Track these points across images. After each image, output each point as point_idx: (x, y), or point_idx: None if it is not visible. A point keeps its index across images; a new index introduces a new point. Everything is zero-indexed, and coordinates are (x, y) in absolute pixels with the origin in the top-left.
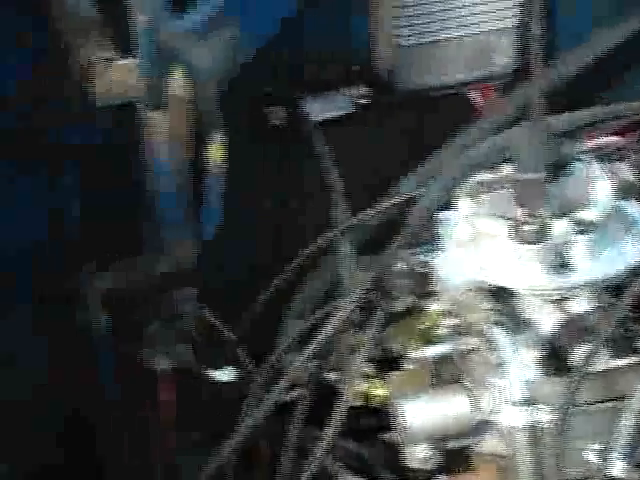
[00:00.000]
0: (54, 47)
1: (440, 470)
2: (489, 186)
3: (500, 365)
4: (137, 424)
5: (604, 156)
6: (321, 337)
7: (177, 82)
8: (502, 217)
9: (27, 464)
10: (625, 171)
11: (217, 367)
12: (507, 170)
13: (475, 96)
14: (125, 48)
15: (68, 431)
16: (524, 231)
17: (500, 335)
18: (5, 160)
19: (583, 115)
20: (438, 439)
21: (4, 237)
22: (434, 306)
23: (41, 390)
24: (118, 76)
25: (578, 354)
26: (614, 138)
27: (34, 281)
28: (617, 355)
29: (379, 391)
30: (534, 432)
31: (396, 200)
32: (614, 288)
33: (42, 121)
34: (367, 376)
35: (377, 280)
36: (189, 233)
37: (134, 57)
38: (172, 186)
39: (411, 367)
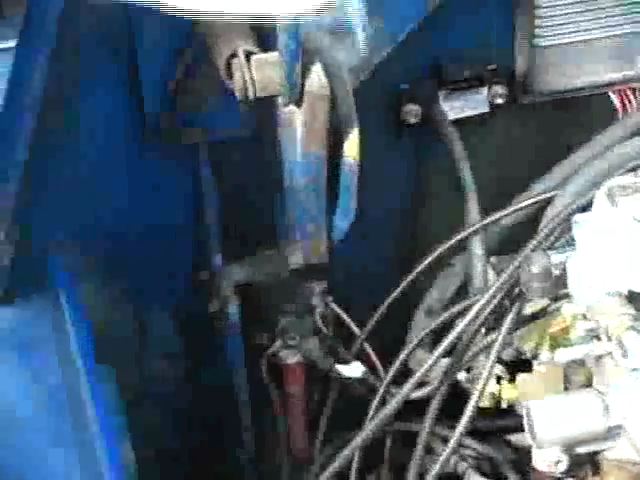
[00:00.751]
0: (198, 39)
1: (569, 474)
2: (627, 189)
3: (634, 370)
4: (265, 417)
5: None
6: (452, 336)
7: (315, 79)
8: None
9: (166, 449)
10: None
11: (345, 362)
12: None
13: (615, 98)
14: (266, 43)
15: (200, 419)
16: None
17: (635, 340)
18: (151, 144)
19: None
20: (568, 443)
21: (145, 221)
22: (568, 309)
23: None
24: (258, 70)
25: None
26: None
27: (172, 265)
28: None
29: (509, 392)
30: None
31: (531, 200)
32: None
33: (186, 108)
34: (497, 377)
35: (510, 281)
36: (322, 229)
37: (275, 52)
38: (307, 182)
39: (543, 369)
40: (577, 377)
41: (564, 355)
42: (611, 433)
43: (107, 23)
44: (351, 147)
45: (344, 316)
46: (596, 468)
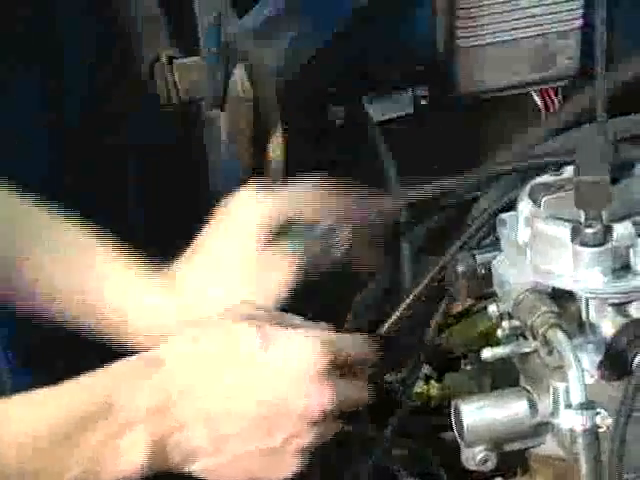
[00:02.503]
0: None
1: (497, 472)
2: (550, 188)
3: (559, 368)
4: None
5: None
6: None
7: (238, 82)
8: (563, 219)
9: None
10: None
11: None
12: (569, 172)
13: (537, 97)
14: (188, 47)
15: None
16: (585, 234)
17: (560, 338)
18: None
19: None
20: (496, 441)
21: None
22: (493, 308)
23: None
24: (181, 74)
25: (638, 359)
26: None
27: None
28: None
29: (437, 392)
30: (593, 436)
31: (456, 201)
32: None
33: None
34: (426, 377)
35: (435, 281)
36: None
37: (197, 56)
38: (233, 184)
39: (469, 368)
40: (504, 376)
41: (490, 353)
42: (538, 430)
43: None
44: (275, 149)
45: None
46: (525, 466)
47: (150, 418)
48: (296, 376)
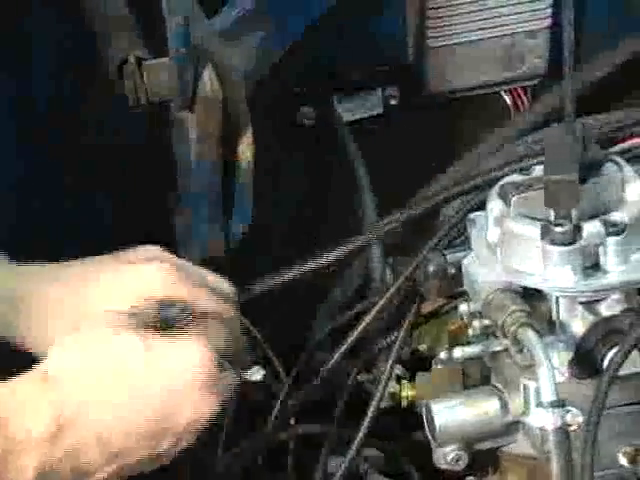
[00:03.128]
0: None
1: (469, 471)
2: (520, 187)
3: (530, 367)
4: None
5: (636, 157)
6: (352, 338)
7: (207, 83)
8: (533, 218)
9: None
10: None
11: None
12: (538, 171)
13: (507, 97)
14: (157, 48)
15: None
16: (555, 233)
17: (530, 336)
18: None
19: (614, 117)
20: (467, 440)
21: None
22: (464, 307)
23: None
24: (149, 75)
25: (608, 357)
26: None
27: None
28: None
29: (408, 392)
30: (564, 434)
31: (427, 201)
32: None
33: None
34: (398, 377)
35: (407, 281)
36: (219, 233)
37: (166, 57)
38: (202, 186)
39: (440, 368)
40: (476, 375)
41: (461, 353)
42: (509, 429)
43: None
44: (245, 150)
45: (244, 321)
46: (497, 465)
47: (41, 446)
48: (181, 389)
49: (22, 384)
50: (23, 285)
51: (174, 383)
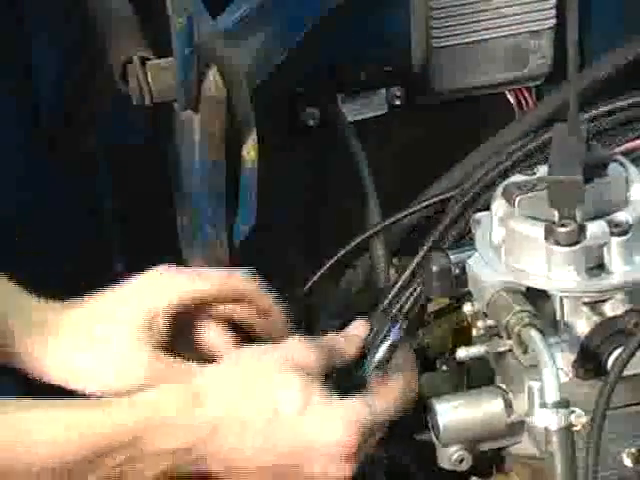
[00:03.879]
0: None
1: (474, 472)
2: (524, 187)
3: (534, 367)
4: None
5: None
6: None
7: (211, 83)
8: (537, 219)
9: None
10: None
11: None
12: (542, 171)
13: (511, 97)
14: (162, 48)
15: None
16: (559, 233)
17: (534, 337)
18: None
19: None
20: (471, 441)
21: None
22: (468, 307)
23: None
24: (154, 75)
25: (613, 357)
26: None
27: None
28: None
29: None
30: (568, 435)
31: (430, 201)
32: None
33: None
34: None
35: (410, 281)
36: (223, 234)
37: (170, 57)
38: (205, 185)
39: (445, 368)
40: (480, 375)
41: (465, 353)
42: (513, 430)
43: None
44: (250, 150)
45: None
46: (501, 465)
47: (175, 456)
48: (323, 451)
49: (169, 396)
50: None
51: (315, 444)
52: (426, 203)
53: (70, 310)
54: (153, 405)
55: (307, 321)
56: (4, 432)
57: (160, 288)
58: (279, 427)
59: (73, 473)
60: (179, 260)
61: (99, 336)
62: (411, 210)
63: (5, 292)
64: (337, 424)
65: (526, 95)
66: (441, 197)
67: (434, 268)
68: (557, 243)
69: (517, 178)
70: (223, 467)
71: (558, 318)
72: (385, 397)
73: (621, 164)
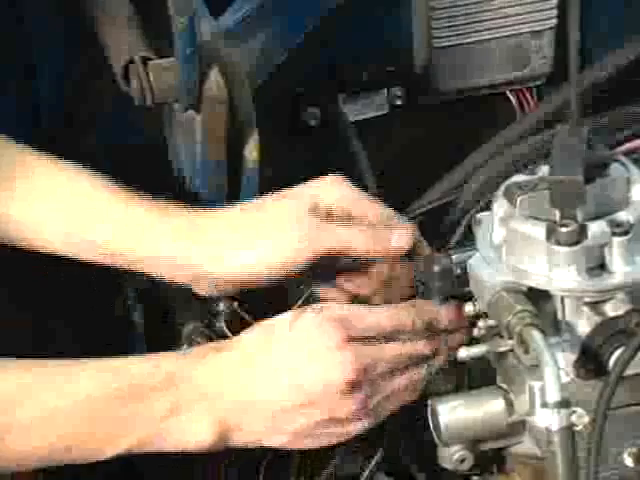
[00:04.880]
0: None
1: (475, 471)
2: (525, 187)
3: (535, 367)
4: None
5: None
6: None
7: (213, 83)
8: (538, 219)
9: None
10: None
11: None
12: (544, 171)
13: (513, 97)
14: (163, 48)
15: None
16: (560, 233)
17: (535, 337)
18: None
19: (618, 115)
20: (473, 440)
21: None
22: (469, 307)
23: None
24: (155, 76)
25: (614, 357)
26: None
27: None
28: None
29: None
30: (569, 435)
31: (432, 201)
32: None
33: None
34: None
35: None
36: None
37: (172, 57)
38: (207, 185)
39: (446, 367)
40: (481, 375)
41: (466, 353)
42: (515, 430)
43: None
44: (252, 150)
45: (246, 316)
46: (502, 465)
47: (208, 400)
48: (314, 353)
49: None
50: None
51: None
52: (427, 204)
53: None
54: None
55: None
56: None
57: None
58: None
59: (106, 420)
60: None
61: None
62: (412, 210)
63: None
64: (311, 324)
65: (527, 95)
66: (443, 197)
67: (436, 268)
68: (558, 243)
69: (518, 178)
70: (263, 425)
71: (559, 318)
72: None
73: (622, 164)
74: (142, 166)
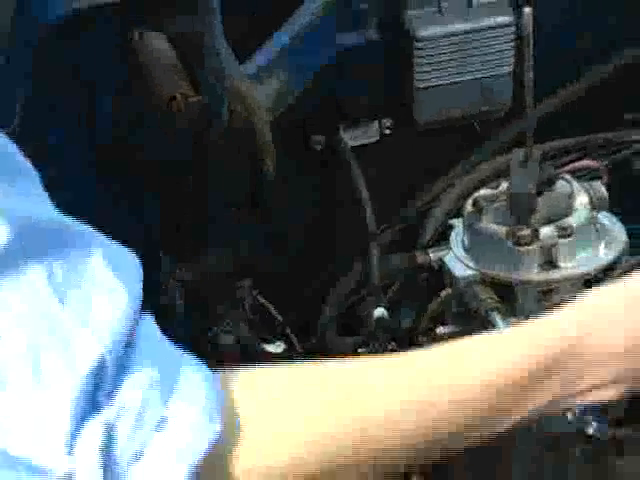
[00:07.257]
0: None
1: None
2: (489, 199)
3: None
4: None
5: (582, 176)
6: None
7: (238, 115)
8: (500, 223)
9: None
10: (599, 188)
11: (269, 342)
12: (504, 186)
13: (477, 127)
14: (199, 87)
15: None
16: (518, 235)
17: (496, 319)
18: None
19: (564, 143)
20: None
21: None
22: (444, 293)
23: None
24: (193, 109)
25: None
26: (590, 162)
27: None
28: None
29: None
30: None
31: (415, 210)
32: (589, 282)
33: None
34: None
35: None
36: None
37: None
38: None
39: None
40: None
41: (443, 330)
42: None
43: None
44: (268, 169)
45: (267, 305)
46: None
47: (621, 358)
48: None
49: (608, 300)
50: None
51: None
52: (412, 212)
53: None
54: (595, 305)
55: (317, 305)
56: None
57: None
58: None
59: (506, 395)
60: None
61: None
62: (400, 218)
63: None
64: None
65: (490, 125)
66: (424, 207)
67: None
68: (516, 243)
69: (484, 192)
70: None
71: (517, 304)
72: None
73: (567, 181)
74: (185, 179)
